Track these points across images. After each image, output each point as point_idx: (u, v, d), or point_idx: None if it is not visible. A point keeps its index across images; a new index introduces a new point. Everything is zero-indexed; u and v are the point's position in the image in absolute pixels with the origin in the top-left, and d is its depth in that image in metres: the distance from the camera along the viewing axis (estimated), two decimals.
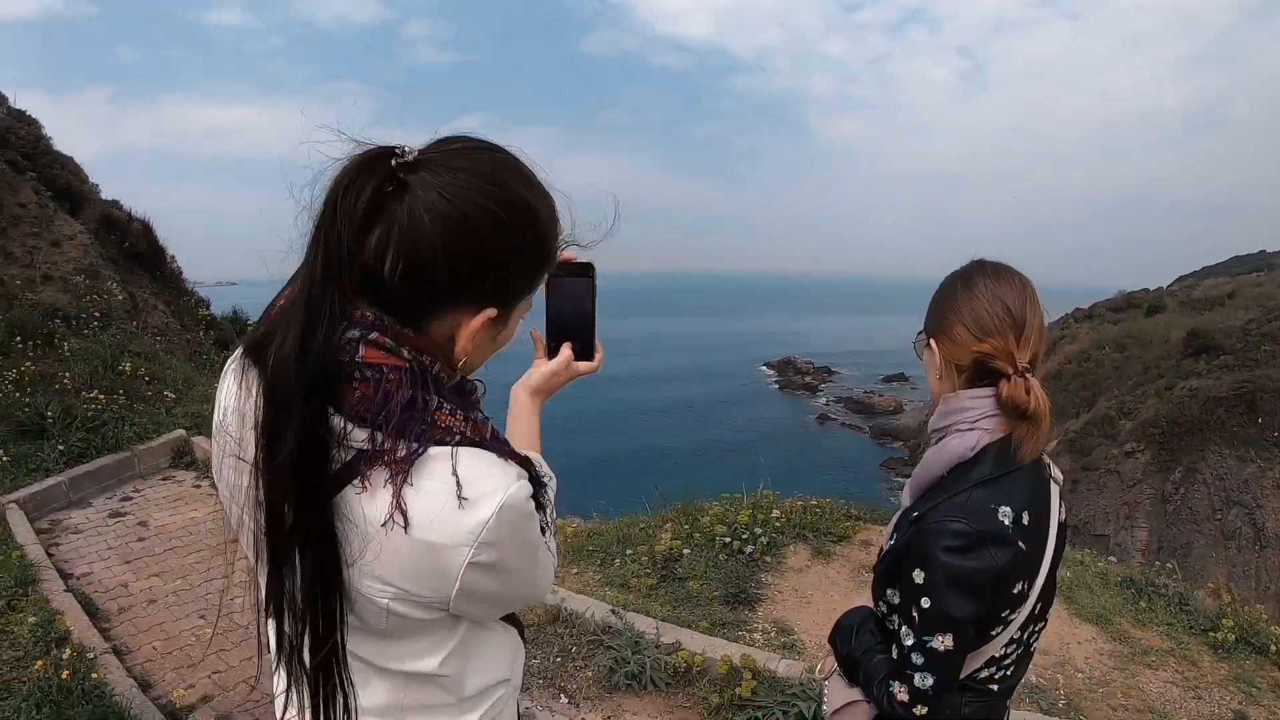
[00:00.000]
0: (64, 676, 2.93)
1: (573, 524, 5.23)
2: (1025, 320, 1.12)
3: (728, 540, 4.46)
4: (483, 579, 0.77)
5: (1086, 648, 3.70)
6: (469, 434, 0.77)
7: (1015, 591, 1.09)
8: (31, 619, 3.48)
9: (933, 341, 1.20)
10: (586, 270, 1.09)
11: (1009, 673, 1.20)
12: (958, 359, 1.15)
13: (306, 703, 0.78)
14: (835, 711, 1.29)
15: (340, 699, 0.79)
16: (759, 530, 4.54)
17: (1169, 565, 4.63)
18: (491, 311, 0.79)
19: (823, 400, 49.90)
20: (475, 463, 0.75)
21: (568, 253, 1.09)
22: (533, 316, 1.18)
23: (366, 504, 0.73)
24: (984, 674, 1.17)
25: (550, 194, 0.83)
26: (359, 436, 0.73)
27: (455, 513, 0.73)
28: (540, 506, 0.87)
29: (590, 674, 3.25)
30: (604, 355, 1.14)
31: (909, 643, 1.10)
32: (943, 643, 1.07)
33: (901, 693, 1.10)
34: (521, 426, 1.09)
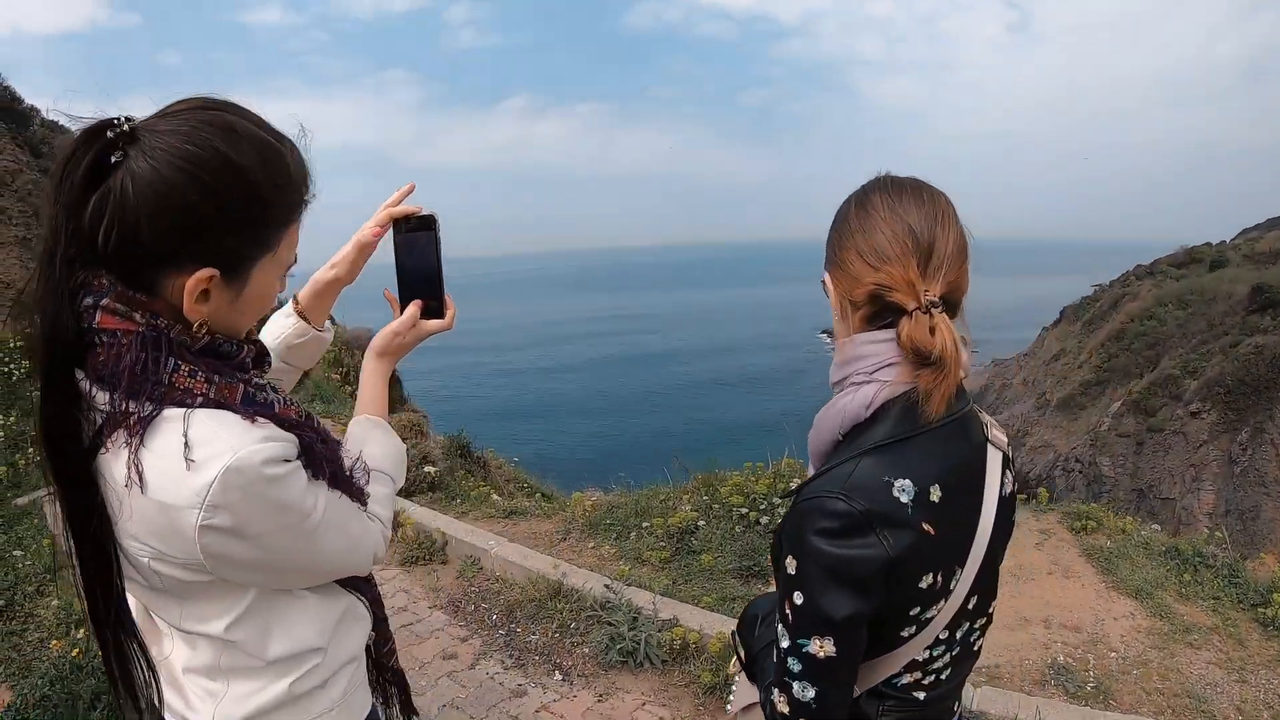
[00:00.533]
0: (75, 654, 3.03)
1: (593, 497, 5.16)
2: (933, 243, 0.89)
3: (745, 511, 4.33)
4: (225, 543, 0.77)
5: (1123, 624, 3.46)
6: (211, 396, 0.79)
7: (923, 586, 0.88)
8: (55, 602, 3.61)
9: (827, 276, 0.99)
10: (428, 224, 1.01)
11: (941, 677, 0.98)
12: (852, 294, 0.93)
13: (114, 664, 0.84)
14: (741, 710, 1.13)
15: (137, 661, 0.84)
16: (777, 501, 4.38)
17: (1218, 534, 4.31)
18: (207, 272, 0.78)
19: None
20: (208, 424, 0.77)
21: (410, 206, 1.03)
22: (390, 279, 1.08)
23: (113, 465, 0.76)
24: (905, 679, 0.96)
25: (272, 148, 0.82)
26: (102, 400, 0.77)
27: (183, 474, 0.75)
28: (334, 475, 0.88)
29: (587, 650, 3.19)
30: (455, 311, 1.09)
31: (784, 645, 0.90)
32: (821, 648, 0.86)
33: (781, 703, 0.91)
34: (365, 390, 1.09)
